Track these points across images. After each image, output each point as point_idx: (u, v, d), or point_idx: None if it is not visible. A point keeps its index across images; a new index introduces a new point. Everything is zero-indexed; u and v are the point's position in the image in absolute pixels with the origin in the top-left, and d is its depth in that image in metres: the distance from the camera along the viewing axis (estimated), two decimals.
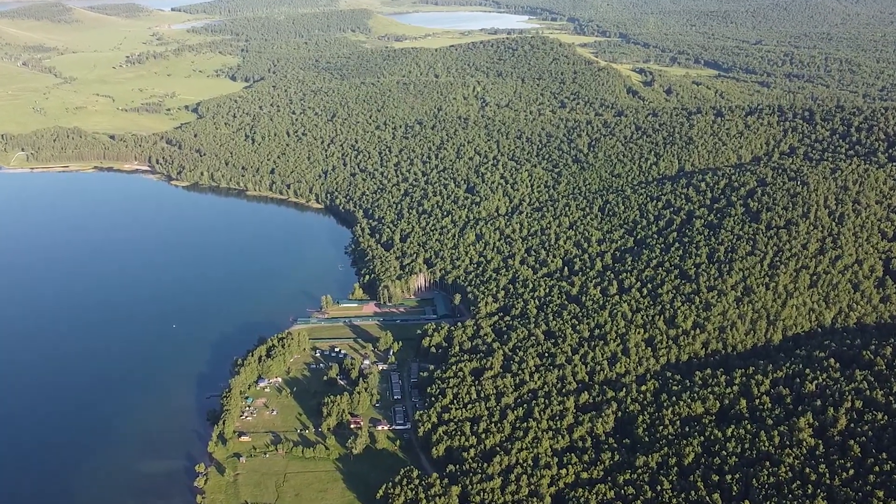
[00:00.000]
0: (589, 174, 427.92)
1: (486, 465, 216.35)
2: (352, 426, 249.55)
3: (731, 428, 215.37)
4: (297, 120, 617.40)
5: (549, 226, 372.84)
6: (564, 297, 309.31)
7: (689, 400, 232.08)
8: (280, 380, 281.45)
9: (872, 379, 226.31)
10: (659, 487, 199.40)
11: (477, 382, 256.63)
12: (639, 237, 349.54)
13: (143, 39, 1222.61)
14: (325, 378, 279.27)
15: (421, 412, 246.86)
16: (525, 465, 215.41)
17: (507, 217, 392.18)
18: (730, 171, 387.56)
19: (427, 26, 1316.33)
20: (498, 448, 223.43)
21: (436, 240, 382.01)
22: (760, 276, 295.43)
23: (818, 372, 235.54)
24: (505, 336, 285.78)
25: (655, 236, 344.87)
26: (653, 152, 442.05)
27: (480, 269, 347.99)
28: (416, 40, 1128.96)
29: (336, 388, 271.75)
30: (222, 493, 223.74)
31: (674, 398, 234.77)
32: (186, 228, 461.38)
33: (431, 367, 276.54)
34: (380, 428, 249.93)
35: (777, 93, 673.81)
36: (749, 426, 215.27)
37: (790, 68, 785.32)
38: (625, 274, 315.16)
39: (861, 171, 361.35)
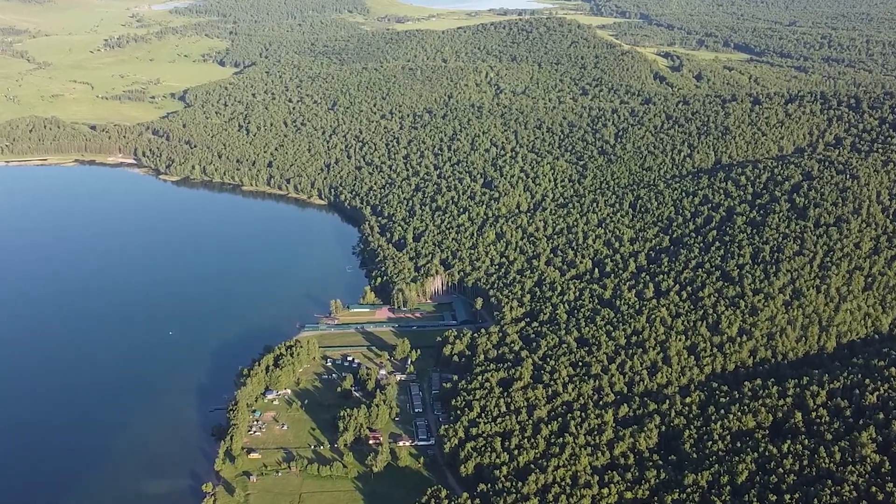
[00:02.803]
0: (617, 167, 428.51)
1: (520, 484, 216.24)
2: (370, 442, 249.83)
3: (787, 443, 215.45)
4: (294, 109, 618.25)
5: (575, 223, 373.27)
6: (596, 301, 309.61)
7: (738, 413, 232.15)
8: (289, 391, 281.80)
9: None
10: None
11: (506, 394, 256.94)
12: (675, 236, 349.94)
13: (122, 21, 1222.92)
14: (338, 389, 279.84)
15: (446, 427, 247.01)
16: (563, 484, 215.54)
17: (529, 214, 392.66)
18: (772, 163, 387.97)
19: (430, 6, 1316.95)
20: (532, 465, 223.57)
21: (452, 239, 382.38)
22: (810, 277, 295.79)
23: (879, 382, 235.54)
24: (534, 344, 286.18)
25: (693, 235, 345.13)
26: (686, 143, 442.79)
27: (503, 270, 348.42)
28: (419, 22, 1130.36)
29: (351, 401, 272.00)
30: None
31: (722, 411, 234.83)
32: (178, 227, 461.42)
33: (454, 377, 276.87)
34: (401, 444, 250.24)
35: (816, 78, 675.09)
36: (807, 441, 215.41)
37: (829, 52, 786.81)
38: (661, 276, 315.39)
39: None
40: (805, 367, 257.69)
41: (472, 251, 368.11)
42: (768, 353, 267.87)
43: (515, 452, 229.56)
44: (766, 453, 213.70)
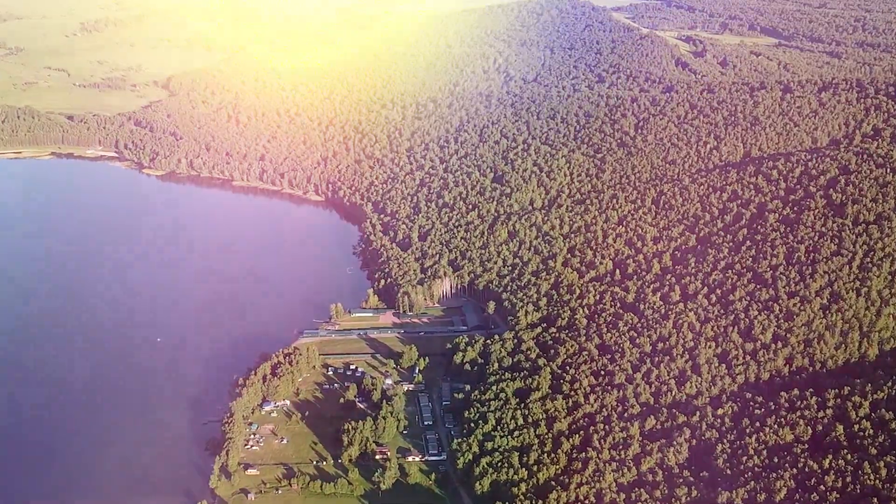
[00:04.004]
0: (638, 160, 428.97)
1: (540, 502, 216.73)
2: (377, 457, 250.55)
3: (829, 458, 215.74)
4: (287, 97, 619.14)
5: (594, 221, 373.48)
6: (618, 304, 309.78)
7: (775, 426, 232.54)
8: (288, 403, 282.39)
9: None
10: None
11: (523, 405, 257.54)
12: (702, 234, 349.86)
13: (99, 3, 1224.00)
14: (341, 400, 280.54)
15: (459, 440, 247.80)
16: (586, 502, 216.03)
17: (543, 211, 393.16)
18: (805, 156, 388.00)
19: None
20: (553, 482, 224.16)
21: (461, 238, 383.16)
22: (849, 279, 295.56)
23: None
24: (552, 351, 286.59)
25: (722, 233, 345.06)
26: (712, 135, 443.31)
27: (516, 272, 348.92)
28: (418, 4, 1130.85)
29: (355, 413, 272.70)
30: None
31: (757, 423, 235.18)
32: (164, 226, 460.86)
33: (466, 387, 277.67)
34: (410, 459, 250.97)
35: (850, 65, 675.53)
36: (849, 456, 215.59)
37: (862, 36, 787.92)
38: (688, 278, 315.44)
39: None
40: (846, 376, 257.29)
41: (483, 251, 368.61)
42: (805, 361, 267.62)
43: (534, 468, 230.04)
44: (806, 469, 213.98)
